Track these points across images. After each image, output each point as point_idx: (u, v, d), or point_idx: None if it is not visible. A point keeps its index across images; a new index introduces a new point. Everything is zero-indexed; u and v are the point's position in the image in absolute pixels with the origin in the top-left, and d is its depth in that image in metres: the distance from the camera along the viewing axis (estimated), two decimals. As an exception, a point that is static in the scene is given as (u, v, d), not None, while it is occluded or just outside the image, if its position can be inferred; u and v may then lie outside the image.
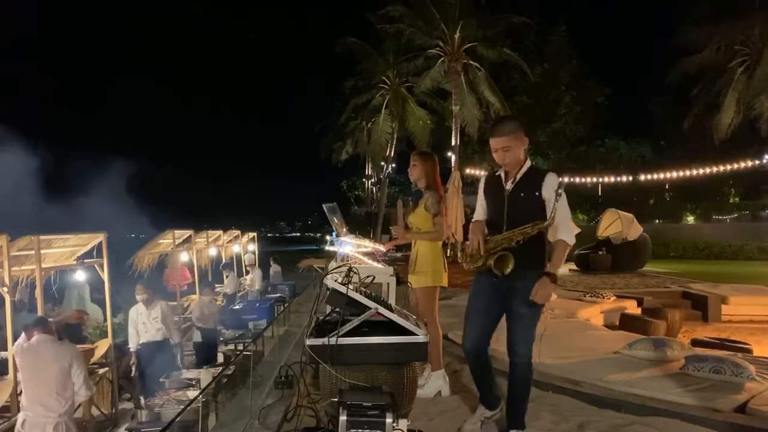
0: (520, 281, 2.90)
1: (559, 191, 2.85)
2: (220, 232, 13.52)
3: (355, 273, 2.85)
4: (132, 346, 6.81)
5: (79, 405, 4.57)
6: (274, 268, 15.28)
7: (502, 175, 3.08)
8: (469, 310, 3.16)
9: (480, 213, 3.18)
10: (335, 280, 2.78)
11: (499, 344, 3.21)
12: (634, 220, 14.24)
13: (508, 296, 2.97)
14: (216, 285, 10.64)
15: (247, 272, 13.52)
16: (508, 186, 3.03)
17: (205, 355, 7.59)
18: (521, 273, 2.86)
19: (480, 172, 30.40)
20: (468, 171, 25.54)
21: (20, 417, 4.23)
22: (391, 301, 3.64)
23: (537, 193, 2.94)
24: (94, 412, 6.07)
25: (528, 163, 3.04)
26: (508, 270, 2.82)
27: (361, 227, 26.48)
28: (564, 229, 2.94)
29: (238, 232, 15.39)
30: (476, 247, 2.93)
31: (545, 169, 3.09)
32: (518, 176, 3.01)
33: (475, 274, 3.15)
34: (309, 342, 2.57)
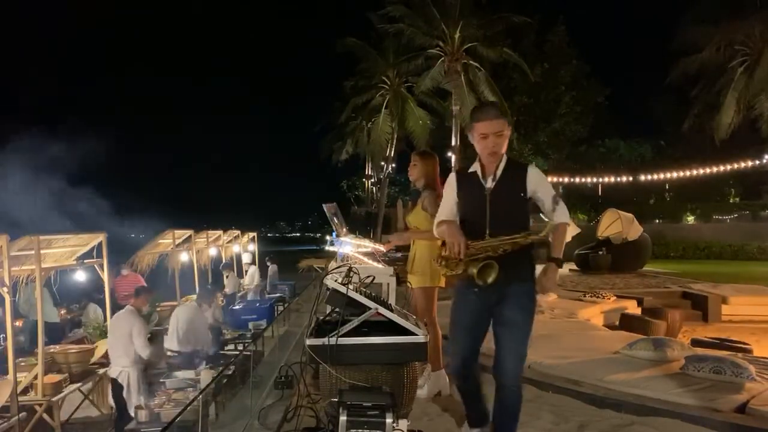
0: (513, 286, 2.66)
1: (543, 182, 2.72)
2: (220, 232, 13.51)
3: (355, 273, 2.84)
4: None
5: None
6: (273, 268, 15.36)
7: (479, 172, 2.76)
8: (454, 326, 2.85)
9: (448, 214, 2.84)
10: (335, 280, 2.78)
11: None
12: (634, 220, 14.25)
13: (499, 304, 2.69)
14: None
15: (246, 272, 13.53)
16: (489, 184, 2.71)
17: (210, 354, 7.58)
18: (510, 280, 2.62)
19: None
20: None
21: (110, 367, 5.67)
22: (391, 301, 3.64)
23: (522, 193, 2.69)
24: (94, 412, 6.11)
25: (505, 157, 2.74)
26: (491, 279, 2.52)
27: (361, 227, 26.48)
28: (559, 210, 2.71)
29: (238, 232, 15.38)
30: (457, 252, 2.56)
31: (523, 162, 2.84)
32: (498, 173, 2.71)
33: (457, 284, 2.85)
34: (309, 342, 2.57)
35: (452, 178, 2.90)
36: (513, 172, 2.73)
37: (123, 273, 9.31)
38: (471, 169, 2.81)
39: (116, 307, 6.79)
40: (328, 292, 2.77)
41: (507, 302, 2.68)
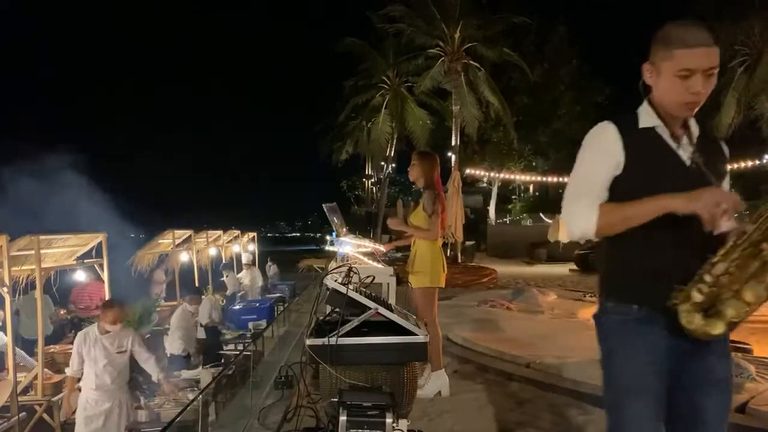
0: None
1: None
2: (220, 232, 13.52)
3: (355, 273, 2.84)
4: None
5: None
6: (273, 268, 15.41)
7: (662, 132, 1.67)
8: (622, 397, 1.74)
9: (599, 194, 1.69)
10: (335, 280, 2.78)
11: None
12: (634, 220, 14.26)
13: (695, 353, 1.66)
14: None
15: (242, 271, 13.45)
16: (687, 152, 1.66)
17: (210, 354, 7.60)
18: None
19: (480, 172, 30.48)
20: (468, 171, 25.55)
21: None
22: (391, 301, 3.64)
23: (726, 173, 1.76)
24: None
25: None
26: None
27: (361, 227, 26.48)
28: None
29: (238, 232, 15.39)
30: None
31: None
32: (694, 137, 1.70)
33: (608, 319, 1.86)
34: (309, 342, 2.56)
35: (610, 131, 1.69)
36: (710, 138, 1.74)
37: (81, 281, 7.62)
38: (643, 123, 1.69)
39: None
40: (328, 292, 2.77)
41: (708, 347, 1.63)
